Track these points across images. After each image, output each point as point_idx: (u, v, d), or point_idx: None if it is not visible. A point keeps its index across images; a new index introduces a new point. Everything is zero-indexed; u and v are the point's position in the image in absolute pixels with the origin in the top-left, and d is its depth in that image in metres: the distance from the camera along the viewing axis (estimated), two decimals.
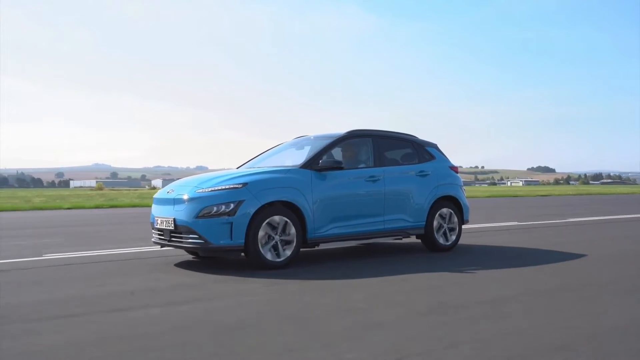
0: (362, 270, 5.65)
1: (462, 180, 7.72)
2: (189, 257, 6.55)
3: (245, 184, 5.67)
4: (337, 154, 6.80)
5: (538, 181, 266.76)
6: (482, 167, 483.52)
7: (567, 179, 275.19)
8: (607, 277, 5.27)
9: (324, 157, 6.27)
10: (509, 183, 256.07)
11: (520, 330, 3.36)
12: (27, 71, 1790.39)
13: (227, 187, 5.65)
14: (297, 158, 6.55)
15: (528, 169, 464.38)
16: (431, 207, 7.01)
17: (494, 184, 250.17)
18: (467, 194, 7.81)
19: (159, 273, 5.50)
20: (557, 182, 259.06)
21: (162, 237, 5.95)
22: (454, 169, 7.55)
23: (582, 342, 3.10)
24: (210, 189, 5.66)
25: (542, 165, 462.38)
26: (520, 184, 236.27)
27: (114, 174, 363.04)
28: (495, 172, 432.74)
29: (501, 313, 3.79)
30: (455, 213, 7.26)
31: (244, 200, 5.57)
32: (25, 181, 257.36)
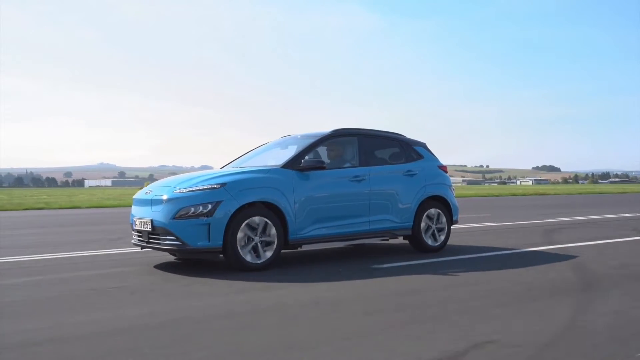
0: (342, 273, 5.52)
1: (451, 179, 7.58)
2: (172, 258, 6.46)
3: (223, 184, 5.55)
4: (323, 153, 6.69)
5: (548, 180, 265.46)
6: (487, 166, 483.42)
7: (575, 178, 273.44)
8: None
9: (307, 157, 6.15)
10: (518, 182, 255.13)
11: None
12: (29, 70, 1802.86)
13: (204, 187, 5.54)
14: (282, 157, 6.40)
15: (533, 168, 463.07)
16: (418, 208, 6.86)
17: (504, 183, 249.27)
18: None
19: (138, 275, 5.41)
20: (565, 181, 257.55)
21: (141, 239, 5.85)
22: (443, 168, 7.38)
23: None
24: (187, 190, 5.55)
25: (547, 164, 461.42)
26: (530, 183, 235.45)
27: (122, 174, 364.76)
28: (501, 171, 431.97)
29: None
30: (444, 213, 7.11)
31: (222, 200, 5.45)
32: (40, 180, 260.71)
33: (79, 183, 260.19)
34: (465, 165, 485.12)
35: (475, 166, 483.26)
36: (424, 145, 7.37)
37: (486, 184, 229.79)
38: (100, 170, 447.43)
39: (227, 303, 4.19)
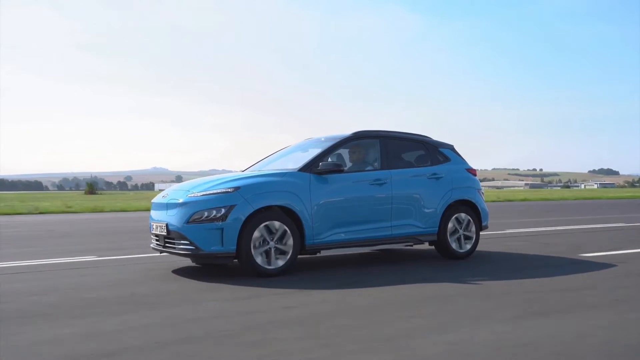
0: (358, 280, 5.34)
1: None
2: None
3: (237, 188, 5.48)
4: (346, 156, 6.54)
5: (614, 184, 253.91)
6: (541, 169, 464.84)
7: None
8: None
9: (326, 160, 6.01)
10: (582, 186, 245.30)
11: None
12: (77, 76, 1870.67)
13: (218, 191, 5.48)
14: (302, 160, 6.23)
15: (589, 172, 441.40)
16: (445, 212, 6.59)
17: (567, 186, 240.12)
18: None
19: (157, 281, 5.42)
20: (632, 184, 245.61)
21: (159, 243, 5.86)
22: (472, 171, 7.06)
23: None
24: (201, 194, 5.51)
25: (605, 167, 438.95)
26: (595, 186, 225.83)
27: (179, 177, 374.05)
28: (556, 174, 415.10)
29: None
30: (473, 218, 6.80)
31: (235, 205, 5.37)
32: (112, 184, 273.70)
33: (148, 186, 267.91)
34: (517, 169, 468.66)
35: (529, 169, 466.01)
36: (451, 148, 7.08)
37: (549, 187, 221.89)
38: (155, 174, 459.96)
39: (234, 309, 4.11)
